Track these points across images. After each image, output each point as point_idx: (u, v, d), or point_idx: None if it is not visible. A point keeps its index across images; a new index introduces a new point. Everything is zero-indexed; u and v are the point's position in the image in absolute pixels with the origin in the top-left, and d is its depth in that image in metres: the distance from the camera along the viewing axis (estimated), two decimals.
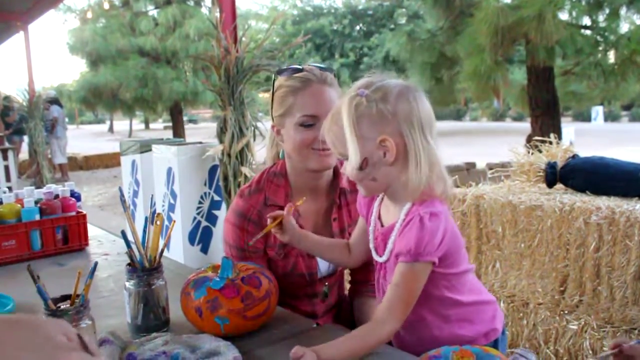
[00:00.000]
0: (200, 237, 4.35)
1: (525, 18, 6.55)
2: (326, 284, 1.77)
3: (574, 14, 7.73)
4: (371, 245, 1.43)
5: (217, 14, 4.81)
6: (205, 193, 4.38)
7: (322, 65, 1.69)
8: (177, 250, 4.28)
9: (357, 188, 1.39)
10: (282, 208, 1.60)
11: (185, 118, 19.63)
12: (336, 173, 1.75)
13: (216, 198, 4.44)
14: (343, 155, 1.32)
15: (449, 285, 1.35)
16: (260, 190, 1.70)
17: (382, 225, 1.40)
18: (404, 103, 1.27)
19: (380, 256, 1.39)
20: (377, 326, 1.23)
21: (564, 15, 7.51)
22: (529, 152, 2.94)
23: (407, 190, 1.27)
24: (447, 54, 9.28)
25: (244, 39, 4.53)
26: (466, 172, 9.78)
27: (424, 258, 1.23)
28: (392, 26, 26.41)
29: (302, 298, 1.74)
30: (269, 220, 1.48)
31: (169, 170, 4.37)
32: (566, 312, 2.50)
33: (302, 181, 1.70)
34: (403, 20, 26.88)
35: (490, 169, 3.64)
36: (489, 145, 17.23)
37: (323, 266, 1.73)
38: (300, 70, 1.64)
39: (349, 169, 1.30)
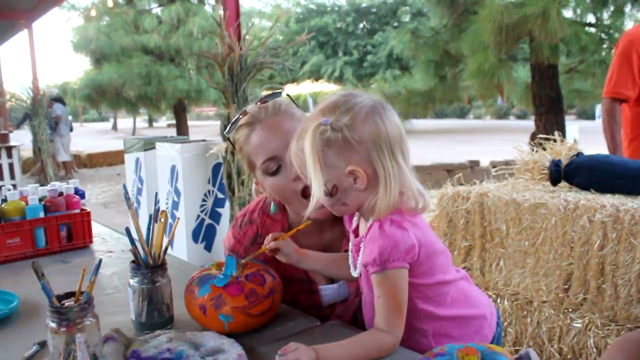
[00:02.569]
0: (204, 234, 4.35)
1: (529, 16, 6.52)
2: (326, 309, 1.64)
3: (578, 11, 7.71)
4: (350, 262, 1.39)
5: (221, 12, 4.82)
6: (208, 191, 4.39)
7: (272, 93, 1.54)
8: (181, 248, 4.29)
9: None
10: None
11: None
12: None
13: (220, 196, 4.45)
14: (310, 182, 1.24)
15: (422, 296, 1.30)
16: (252, 222, 1.61)
17: (356, 237, 1.38)
18: (371, 126, 1.21)
19: (355, 270, 1.36)
20: (378, 335, 1.21)
21: (568, 13, 7.50)
22: (533, 150, 2.93)
23: (375, 211, 1.23)
24: (450, 52, 9.25)
25: (247, 36, 4.54)
26: (470, 170, 9.78)
27: (392, 265, 1.20)
28: (396, 24, 26.35)
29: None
30: (267, 239, 1.46)
31: (173, 168, 4.38)
32: (570, 310, 2.50)
33: (301, 215, 1.45)
34: (407, 18, 26.83)
35: (494, 167, 3.63)
36: (492, 143, 17.21)
37: (328, 294, 1.64)
38: (245, 113, 1.50)
39: (317, 195, 1.23)
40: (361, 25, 29.40)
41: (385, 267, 1.20)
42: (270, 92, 1.55)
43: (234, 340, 1.23)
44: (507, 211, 2.65)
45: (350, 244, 1.39)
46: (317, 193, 1.23)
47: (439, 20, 9.63)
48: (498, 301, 2.75)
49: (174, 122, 19.81)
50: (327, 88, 35.17)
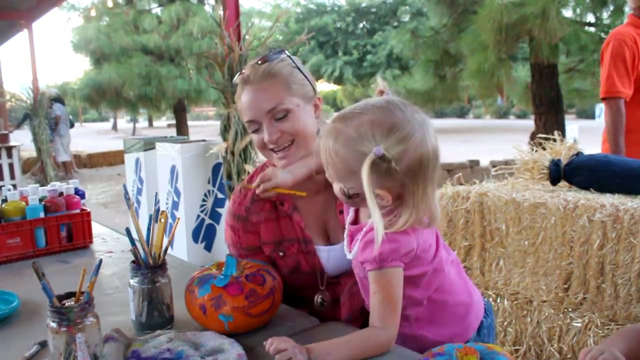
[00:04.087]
0: (204, 234, 4.36)
1: (529, 15, 6.53)
2: (321, 296, 1.63)
3: (577, 11, 7.72)
4: (345, 245, 1.40)
5: (221, 12, 4.82)
6: (208, 191, 4.39)
7: (271, 51, 1.56)
8: (181, 248, 4.29)
9: None
10: (273, 202, 1.60)
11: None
12: None
13: (220, 196, 4.45)
14: (330, 177, 1.29)
15: (407, 282, 1.29)
16: (248, 188, 1.62)
17: (356, 223, 1.39)
18: (416, 159, 1.20)
19: (350, 252, 1.36)
20: (374, 332, 1.22)
21: (567, 13, 7.50)
22: (532, 150, 2.93)
23: (391, 225, 1.22)
24: (450, 52, 9.26)
25: (247, 36, 4.54)
26: (470, 170, 9.78)
27: (389, 264, 1.22)
28: (396, 24, 26.35)
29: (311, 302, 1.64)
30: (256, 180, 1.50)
31: (173, 168, 4.38)
32: (570, 309, 2.50)
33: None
34: (407, 18, 26.81)
35: (494, 166, 3.63)
36: (492, 142, 17.21)
37: (328, 263, 1.62)
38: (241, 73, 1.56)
39: (335, 187, 1.28)
40: (361, 25, 29.38)
41: (383, 266, 1.22)
42: (271, 51, 1.58)
43: (234, 340, 1.23)
44: (506, 211, 2.66)
45: (346, 228, 1.40)
46: (337, 189, 1.27)
47: (439, 20, 9.63)
48: (498, 301, 2.75)
49: (174, 122, 19.82)
50: (327, 88, 35.16)
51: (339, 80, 28.17)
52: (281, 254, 1.60)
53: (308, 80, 1.57)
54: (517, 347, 2.68)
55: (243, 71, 1.54)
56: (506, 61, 7.49)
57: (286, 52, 1.57)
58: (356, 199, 1.26)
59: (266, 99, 1.48)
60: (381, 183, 1.20)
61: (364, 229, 1.30)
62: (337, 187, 1.28)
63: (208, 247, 4.38)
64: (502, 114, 33.32)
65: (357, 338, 1.22)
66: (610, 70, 3.16)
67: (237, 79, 1.56)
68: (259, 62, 1.52)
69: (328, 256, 1.61)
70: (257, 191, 1.52)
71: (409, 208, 1.22)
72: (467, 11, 8.70)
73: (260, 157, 4.32)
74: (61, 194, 2.22)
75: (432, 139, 1.23)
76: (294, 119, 1.50)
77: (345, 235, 1.41)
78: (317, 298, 1.62)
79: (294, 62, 1.56)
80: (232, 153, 4.27)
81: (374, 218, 1.17)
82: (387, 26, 26.80)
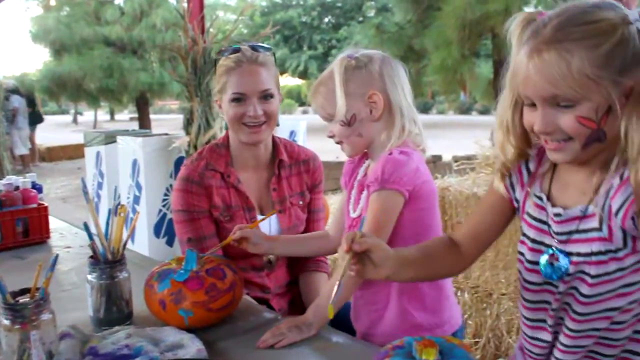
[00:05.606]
0: (166, 229, 4.30)
1: (492, 12, 6.62)
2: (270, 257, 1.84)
3: (540, 8, 7.84)
4: (350, 207, 1.52)
5: (185, 4, 4.76)
6: (171, 185, 4.33)
7: (261, 45, 1.81)
8: (142, 243, 4.24)
9: (341, 146, 1.49)
10: (221, 174, 1.78)
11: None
12: (276, 146, 1.88)
13: None
14: (330, 116, 1.43)
15: (416, 236, 1.37)
16: (201, 158, 1.82)
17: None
18: (387, 67, 1.43)
19: (354, 212, 1.49)
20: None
21: (530, 10, 7.62)
22: (494, 145, 2.97)
23: (389, 141, 1.40)
24: (414, 47, 9.32)
25: (211, 29, 4.49)
26: (432, 165, 9.87)
27: (391, 186, 1.32)
28: (361, 19, 26.41)
29: (250, 270, 1.80)
30: (234, 229, 1.57)
31: (134, 162, 4.31)
32: None
33: (241, 152, 1.83)
34: (372, 13, 26.90)
35: (456, 161, 3.67)
36: (455, 138, 17.39)
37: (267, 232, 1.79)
38: (237, 50, 1.76)
39: (337, 128, 1.43)
40: (326, 20, 29.39)
41: (384, 186, 1.32)
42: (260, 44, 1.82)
43: (193, 335, 1.22)
44: (467, 205, 2.69)
45: (354, 186, 1.53)
46: (338, 126, 1.43)
47: (404, 16, 9.69)
48: (459, 294, 2.79)
49: (136, 115, 19.53)
50: (292, 82, 35.04)
51: (303, 75, 28.14)
52: (227, 218, 1.79)
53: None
54: (476, 340, 2.73)
55: (237, 52, 1.75)
56: (469, 57, 7.58)
57: (272, 49, 1.84)
58: (355, 124, 1.42)
59: (261, 80, 1.74)
60: (367, 85, 1.40)
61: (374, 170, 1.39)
62: (337, 127, 1.43)
63: (170, 242, 4.32)
64: (465, 110, 33.70)
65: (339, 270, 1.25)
66: None
67: (225, 59, 1.76)
68: (254, 48, 1.76)
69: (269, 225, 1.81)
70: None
71: (401, 115, 1.42)
72: (432, 7, 8.76)
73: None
74: (17, 188, 2.17)
75: (399, 66, 1.46)
76: (275, 104, 1.78)
77: (352, 194, 1.53)
78: (268, 257, 1.82)
79: (275, 59, 1.84)
80: (195, 147, 4.22)
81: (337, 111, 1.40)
82: (352, 21, 26.86)
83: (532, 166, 1.18)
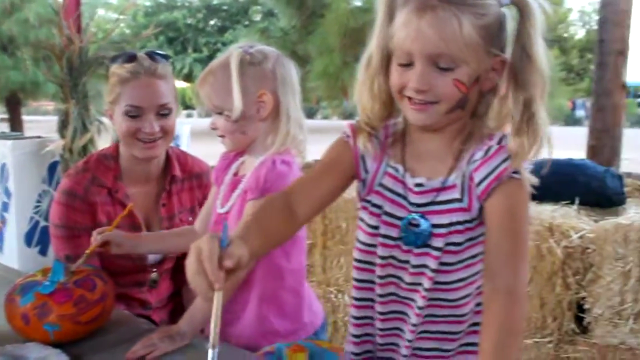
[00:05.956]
0: (39, 238, 4.08)
1: (373, 21, 6.81)
2: (154, 270, 1.77)
3: None
4: (218, 202, 1.47)
5: (60, 0, 4.54)
6: (44, 191, 4.12)
7: (159, 53, 1.71)
8: (12, 253, 3.99)
9: (226, 140, 1.44)
10: (109, 189, 1.68)
11: None
12: (168, 159, 1.80)
13: None
14: (217, 108, 1.40)
15: (283, 246, 1.36)
16: (87, 170, 1.71)
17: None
18: (281, 67, 1.41)
19: (222, 207, 1.44)
20: None
21: None
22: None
23: (272, 145, 1.37)
24: (299, 53, 9.42)
25: (92, 29, 4.32)
26: None
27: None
28: (247, 22, 26.37)
29: (132, 286, 1.73)
30: (93, 235, 1.50)
31: (3, 166, 4.06)
32: None
33: (131, 166, 1.73)
34: (258, 18, 26.93)
35: None
36: None
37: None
38: (133, 58, 1.65)
39: (222, 122, 1.39)
40: (212, 23, 29.11)
41: (263, 195, 1.29)
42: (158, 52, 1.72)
43: (59, 350, 1.18)
44: (346, 209, 2.77)
45: (225, 181, 1.48)
46: (223, 121, 1.39)
47: (288, 22, 9.76)
48: (339, 297, 2.86)
49: (7, 116, 18.34)
50: (176, 85, 34.27)
51: (188, 78, 27.64)
52: None
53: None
54: None
55: (132, 60, 1.64)
56: (351, 64, 7.76)
57: (170, 58, 1.76)
58: (241, 121, 1.37)
59: (161, 94, 1.64)
60: (259, 83, 1.37)
61: (254, 167, 1.37)
62: (222, 120, 1.39)
63: (43, 251, 4.10)
64: (348, 115, 34.46)
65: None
66: None
67: (118, 67, 1.64)
68: (153, 57, 1.66)
69: None
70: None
71: (288, 119, 1.40)
72: (315, 14, 8.89)
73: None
74: None
75: (291, 66, 1.45)
76: (172, 119, 1.69)
77: (221, 189, 1.48)
78: (152, 275, 1.76)
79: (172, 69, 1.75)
80: (71, 151, 4.03)
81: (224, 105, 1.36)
82: (238, 25, 26.77)
83: (381, 135, 1.17)
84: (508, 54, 1.04)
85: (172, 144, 1.82)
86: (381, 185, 1.15)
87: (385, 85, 1.10)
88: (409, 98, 1.05)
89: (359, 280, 1.20)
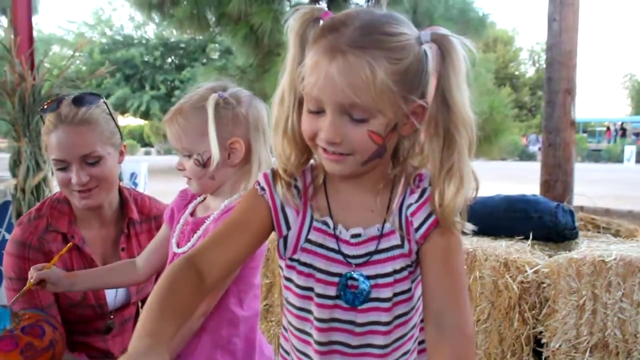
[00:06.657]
0: None
1: None
2: (111, 317, 1.71)
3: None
4: (173, 241, 1.42)
5: (12, 37, 4.48)
6: None
7: (88, 93, 1.63)
8: None
9: (190, 184, 1.42)
10: (64, 235, 1.62)
11: None
12: (124, 202, 1.74)
13: (8, 237, 4.07)
14: (186, 150, 1.36)
15: (236, 298, 1.36)
16: (41, 217, 1.65)
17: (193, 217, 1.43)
18: (254, 110, 1.39)
19: (180, 247, 1.39)
20: None
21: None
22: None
23: (245, 190, 1.33)
24: (256, 91, 9.48)
25: (47, 64, 4.26)
26: None
27: None
28: (205, 60, 26.47)
29: (93, 334, 1.67)
30: (30, 272, 1.44)
31: None
32: None
33: (83, 212, 1.68)
34: (215, 55, 27.07)
35: None
36: None
37: (110, 297, 1.68)
38: (58, 105, 1.58)
39: (190, 165, 1.36)
40: (169, 60, 29.09)
41: None
42: (88, 93, 1.64)
43: None
44: None
45: (181, 220, 1.44)
46: (192, 163, 1.35)
47: (245, 60, 9.87)
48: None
49: None
50: (133, 122, 34.05)
51: (145, 115, 27.48)
52: None
53: (118, 128, 1.66)
54: None
55: (57, 107, 1.57)
56: None
57: (103, 98, 1.66)
58: (210, 167, 1.33)
59: (82, 143, 1.56)
60: (231, 129, 1.34)
61: (219, 210, 1.35)
62: (191, 163, 1.35)
63: None
64: None
65: None
66: None
67: (49, 114, 1.59)
68: (75, 102, 1.57)
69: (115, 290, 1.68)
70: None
71: (259, 165, 1.37)
72: (272, 53, 9.02)
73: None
74: None
75: (265, 108, 1.42)
76: (104, 166, 1.60)
77: (177, 228, 1.43)
78: (108, 322, 1.69)
79: (109, 109, 1.65)
80: (23, 190, 3.94)
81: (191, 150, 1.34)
82: (196, 62, 26.83)
83: (300, 185, 1.07)
84: (430, 95, 0.96)
85: (129, 183, 1.79)
86: (309, 241, 1.06)
87: (299, 127, 1.01)
88: (323, 148, 0.97)
89: (299, 350, 1.12)
